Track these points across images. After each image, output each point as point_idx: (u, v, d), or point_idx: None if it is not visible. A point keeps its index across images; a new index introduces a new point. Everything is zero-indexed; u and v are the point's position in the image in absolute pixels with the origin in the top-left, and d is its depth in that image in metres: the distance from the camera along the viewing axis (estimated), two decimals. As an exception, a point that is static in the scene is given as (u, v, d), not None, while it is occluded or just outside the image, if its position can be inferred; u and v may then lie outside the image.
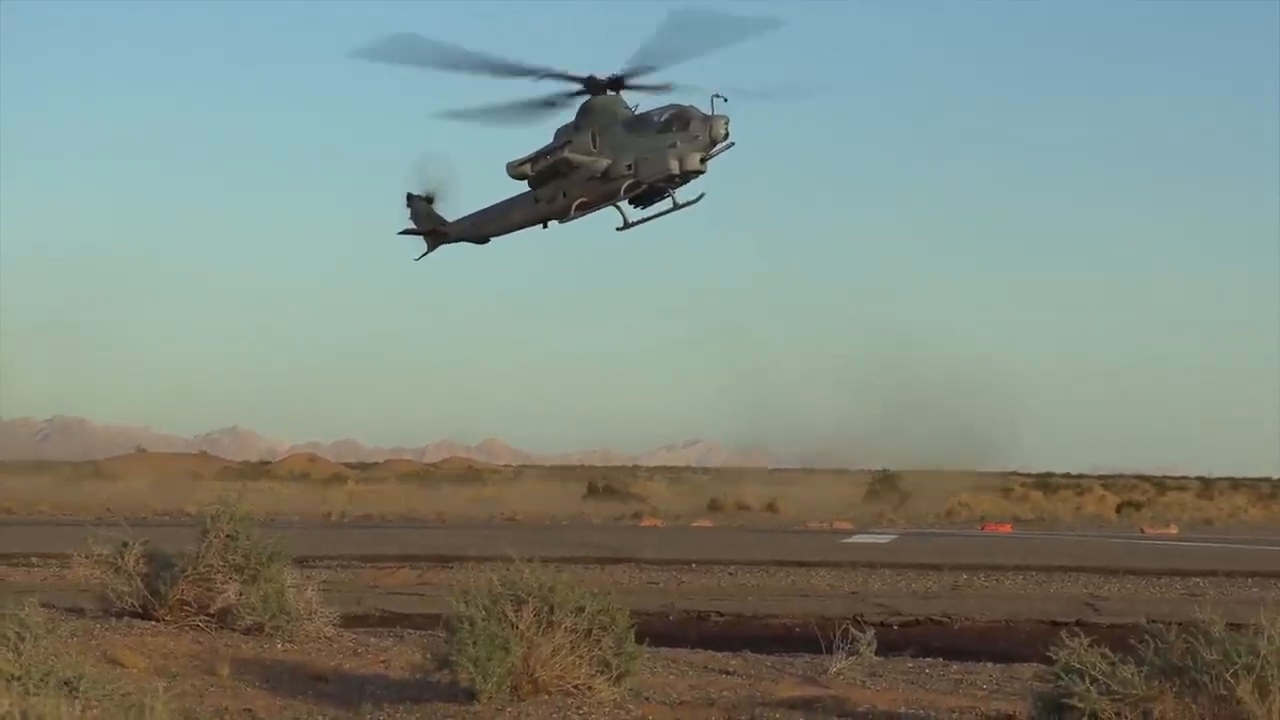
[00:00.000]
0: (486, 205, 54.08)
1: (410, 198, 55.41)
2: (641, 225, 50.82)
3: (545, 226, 52.75)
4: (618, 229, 50.90)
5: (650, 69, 49.49)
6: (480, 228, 54.54)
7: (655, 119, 49.27)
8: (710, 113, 47.88)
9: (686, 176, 48.83)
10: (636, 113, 49.96)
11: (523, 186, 51.93)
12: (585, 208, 50.34)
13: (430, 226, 54.86)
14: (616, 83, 50.52)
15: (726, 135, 48.37)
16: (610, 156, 49.67)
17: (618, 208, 49.73)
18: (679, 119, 48.80)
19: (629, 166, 49.30)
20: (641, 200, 50.16)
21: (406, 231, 55.19)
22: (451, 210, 54.86)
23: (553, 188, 50.59)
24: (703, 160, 48.35)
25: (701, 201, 51.06)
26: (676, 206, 50.16)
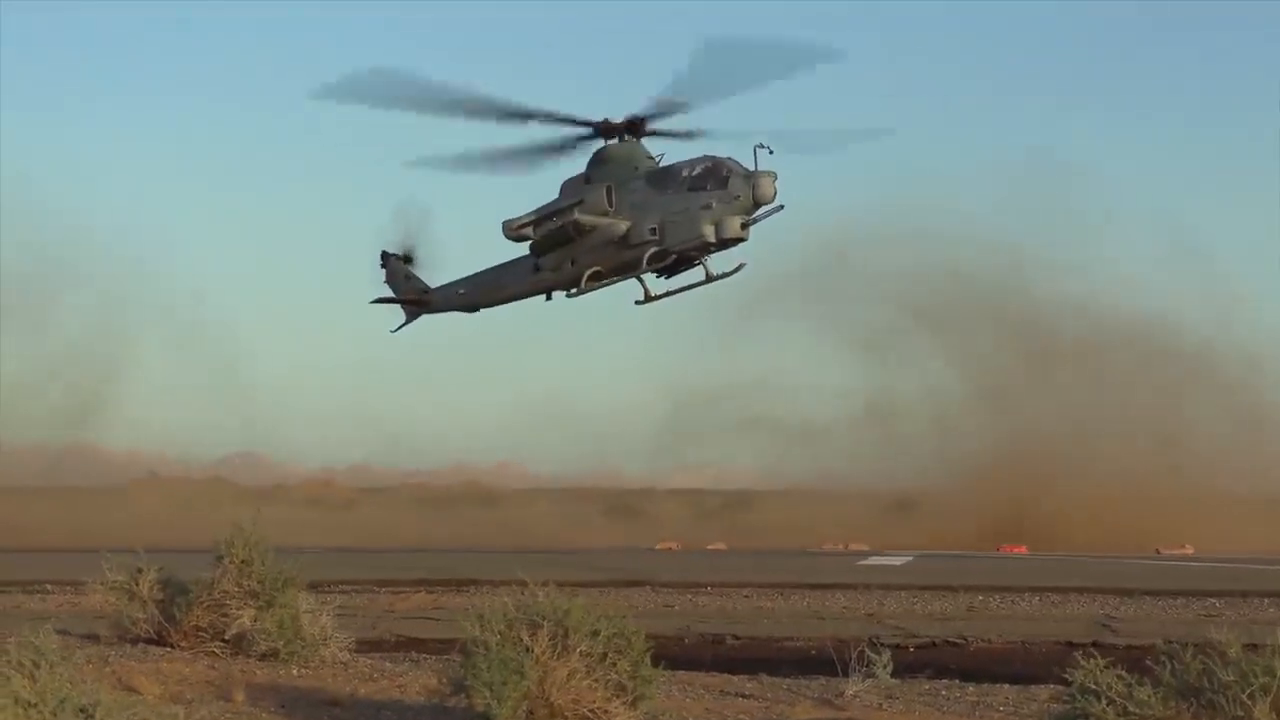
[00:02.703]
0: (477, 271, 46.71)
1: (385, 256, 48.36)
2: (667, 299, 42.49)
3: (549, 298, 44.73)
4: (638, 302, 43.05)
5: (678, 108, 41.59)
6: (469, 297, 46.90)
7: (685, 173, 41.42)
8: (753, 167, 40.10)
9: (724, 244, 41.10)
10: (661, 164, 42.42)
11: (521, 248, 44.49)
12: (599, 278, 42.67)
13: (409, 292, 47.84)
14: (635, 126, 42.70)
15: (773, 195, 40.28)
16: (630, 218, 41.77)
17: (639, 278, 42.47)
18: (714, 174, 40.92)
19: (653, 230, 41.32)
20: (668, 270, 42.49)
21: (381, 300, 48.04)
22: (434, 274, 47.75)
23: (560, 255, 43.05)
24: (744, 226, 40.58)
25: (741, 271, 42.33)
26: (710, 278, 42.21)
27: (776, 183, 40.18)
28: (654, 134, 42.82)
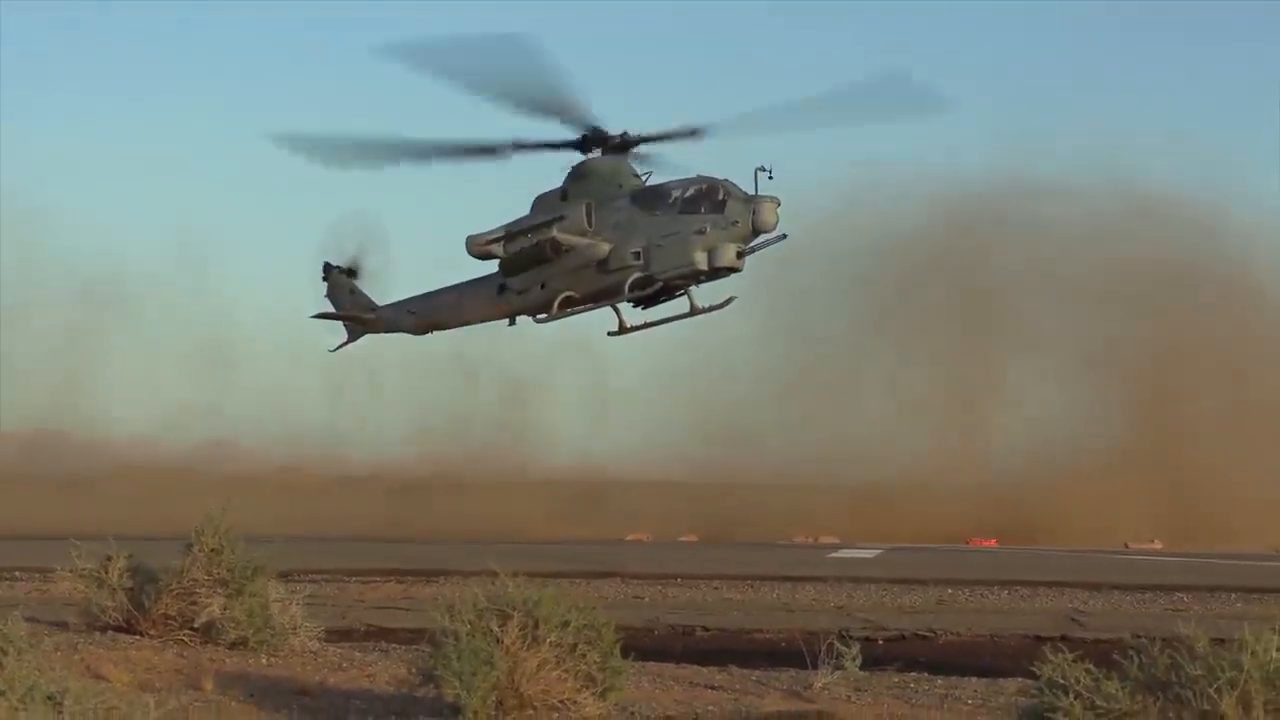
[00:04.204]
0: (432, 290, 42.83)
1: (328, 269, 44.63)
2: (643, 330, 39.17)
3: (513, 322, 40.89)
4: (610, 334, 39.50)
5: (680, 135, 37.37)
6: (421, 318, 42.96)
7: (677, 194, 37.71)
8: (753, 191, 36.56)
9: (715, 273, 37.49)
10: (649, 183, 38.70)
11: (484, 267, 40.70)
12: (572, 304, 38.89)
13: (353, 310, 44.05)
14: (621, 142, 38.87)
15: (775, 223, 36.76)
16: (611, 239, 38.08)
17: (614, 307, 38.87)
18: (710, 196, 37.23)
19: (636, 255, 37.66)
20: (649, 300, 38.78)
21: (323, 315, 44.43)
22: (381, 290, 44.15)
23: (530, 276, 39.21)
24: (740, 255, 36.98)
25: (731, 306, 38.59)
26: (695, 311, 38.58)
27: (779, 209, 36.72)
28: (645, 141, 39.02)
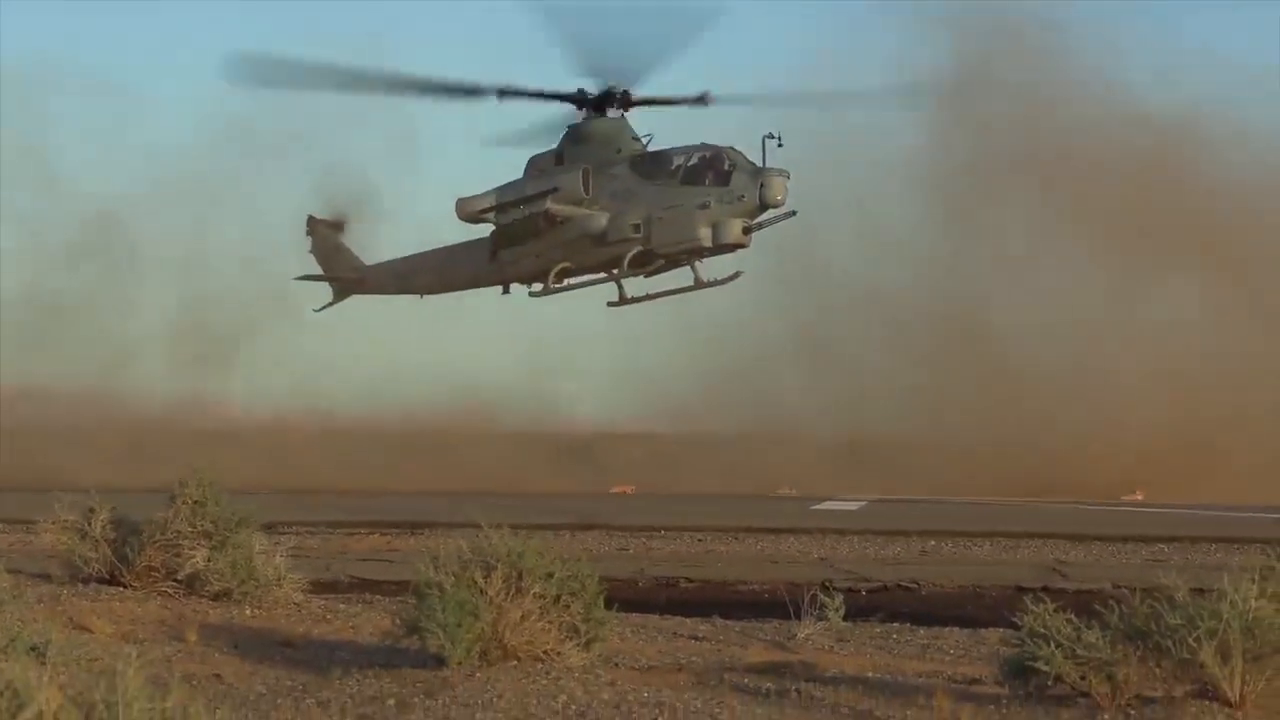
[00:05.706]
0: (424, 251, 41.02)
1: (312, 223, 42.61)
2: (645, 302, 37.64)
3: (507, 290, 39.08)
4: (610, 304, 37.87)
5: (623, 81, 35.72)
6: (411, 281, 40.99)
7: (679, 162, 35.86)
8: (761, 163, 34.71)
9: (720, 250, 35.85)
10: (650, 147, 36.88)
11: (476, 230, 39.10)
12: (568, 275, 37.32)
13: (338, 269, 42.19)
14: (621, 99, 37.03)
15: (784, 198, 34.85)
16: (609, 209, 36.16)
17: (616, 281, 37.30)
18: (714, 166, 35.37)
19: (636, 227, 35.90)
20: (650, 271, 37.20)
21: (307, 277, 42.70)
22: (369, 249, 42.60)
23: (524, 247, 37.43)
24: (746, 231, 35.27)
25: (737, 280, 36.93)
26: (699, 284, 36.97)
27: (788, 184, 34.74)
28: (647, 103, 36.97)
